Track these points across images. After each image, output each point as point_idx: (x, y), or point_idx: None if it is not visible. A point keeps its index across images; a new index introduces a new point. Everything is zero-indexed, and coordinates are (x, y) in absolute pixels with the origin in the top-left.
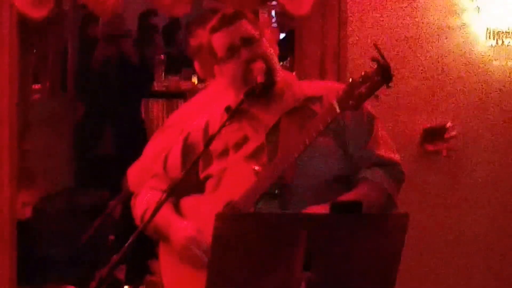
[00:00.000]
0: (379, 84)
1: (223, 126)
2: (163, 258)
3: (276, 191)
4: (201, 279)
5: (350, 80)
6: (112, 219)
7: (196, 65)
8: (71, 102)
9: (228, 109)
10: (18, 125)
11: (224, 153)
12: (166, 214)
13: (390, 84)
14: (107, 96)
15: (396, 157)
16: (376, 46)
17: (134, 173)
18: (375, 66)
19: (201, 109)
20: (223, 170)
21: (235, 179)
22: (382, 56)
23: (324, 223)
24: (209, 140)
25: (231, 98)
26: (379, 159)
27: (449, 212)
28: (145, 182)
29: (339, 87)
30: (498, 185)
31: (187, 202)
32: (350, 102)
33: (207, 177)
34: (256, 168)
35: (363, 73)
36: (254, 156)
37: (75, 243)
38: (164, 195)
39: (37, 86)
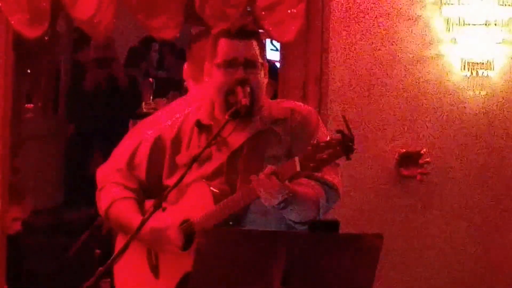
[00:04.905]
0: (340, 154)
1: (207, 147)
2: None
3: (231, 223)
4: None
5: (315, 142)
6: (99, 233)
7: (189, 54)
8: (62, 122)
9: (198, 123)
10: (10, 142)
11: (187, 166)
12: (130, 214)
13: (350, 157)
14: (96, 117)
15: (336, 180)
16: (344, 118)
17: (103, 172)
18: (339, 136)
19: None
20: (183, 185)
21: (193, 197)
22: (349, 129)
23: (302, 241)
24: (192, 161)
25: (205, 109)
26: (325, 182)
27: (422, 234)
28: (110, 175)
29: (302, 109)
30: (468, 209)
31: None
32: (311, 164)
33: (167, 186)
34: (214, 190)
35: (328, 138)
36: (214, 176)
37: (62, 257)
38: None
39: (29, 106)
